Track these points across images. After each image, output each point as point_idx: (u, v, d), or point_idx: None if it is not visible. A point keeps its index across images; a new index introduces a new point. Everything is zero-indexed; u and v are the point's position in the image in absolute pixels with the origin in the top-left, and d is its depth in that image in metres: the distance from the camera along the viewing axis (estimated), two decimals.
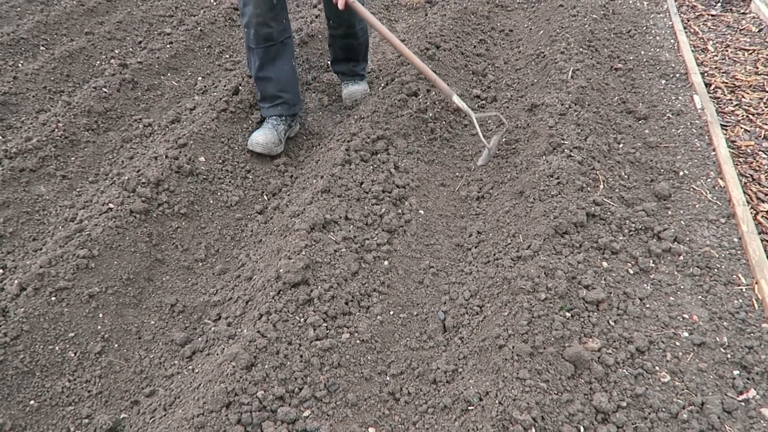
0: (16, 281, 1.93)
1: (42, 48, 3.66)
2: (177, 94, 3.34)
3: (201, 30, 3.89)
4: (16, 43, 3.59)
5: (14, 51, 3.55)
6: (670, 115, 2.90)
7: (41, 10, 4.10)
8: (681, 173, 2.50)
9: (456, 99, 2.48)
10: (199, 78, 3.52)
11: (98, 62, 3.56)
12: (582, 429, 1.53)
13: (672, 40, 3.65)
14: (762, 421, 1.58)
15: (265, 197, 2.62)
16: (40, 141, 2.72)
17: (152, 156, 2.54)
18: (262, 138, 2.71)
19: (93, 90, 3.10)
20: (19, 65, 3.46)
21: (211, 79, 3.47)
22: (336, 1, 2.42)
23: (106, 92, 3.12)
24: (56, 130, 2.80)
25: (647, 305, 1.90)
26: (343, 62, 3.13)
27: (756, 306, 1.90)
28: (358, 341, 1.83)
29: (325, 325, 1.82)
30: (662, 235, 2.14)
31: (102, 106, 3.03)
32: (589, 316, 1.83)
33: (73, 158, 2.75)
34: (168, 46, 3.68)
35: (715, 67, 3.45)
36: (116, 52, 3.69)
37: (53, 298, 1.91)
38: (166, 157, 2.49)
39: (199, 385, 1.67)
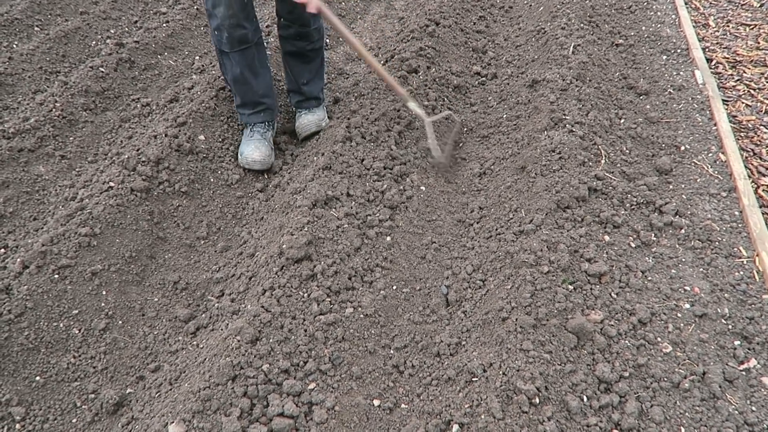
0: (18, 260, 1.93)
1: (36, 28, 3.62)
2: (174, 73, 3.31)
3: (197, 9, 3.84)
4: (10, 24, 3.54)
5: (8, 32, 3.50)
6: (672, 91, 2.89)
7: None
8: (682, 148, 2.50)
9: (411, 105, 2.42)
10: (197, 57, 3.48)
11: (94, 42, 3.51)
12: (585, 399, 1.55)
13: (673, 16, 3.62)
14: (763, 390, 1.60)
15: (266, 175, 2.61)
16: (37, 121, 2.70)
17: (152, 135, 2.53)
18: (258, 154, 2.51)
19: (90, 70, 3.07)
20: (14, 46, 3.42)
21: (209, 58, 3.44)
22: (303, 4, 2.09)
23: (103, 72, 3.09)
24: (54, 110, 2.78)
25: (649, 278, 1.91)
26: (292, 79, 2.72)
27: (757, 278, 1.91)
28: (361, 315, 1.84)
29: (329, 299, 1.83)
30: (664, 209, 2.14)
31: (99, 86, 3.00)
32: (591, 289, 1.83)
33: (71, 138, 2.73)
34: (164, 25, 3.64)
35: (717, 43, 3.42)
36: (112, 31, 3.65)
37: (56, 276, 1.91)
38: (166, 135, 2.48)
39: (205, 359, 1.68)
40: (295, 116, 2.82)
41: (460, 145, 2.74)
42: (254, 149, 2.51)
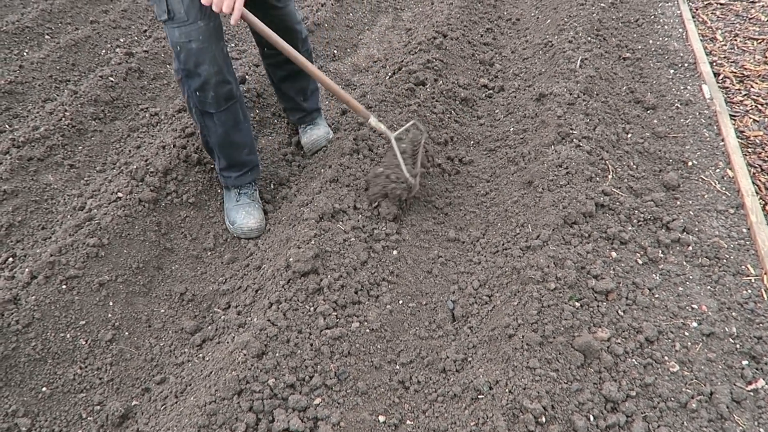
0: (26, 269, 1.94)
1: (47, 37, 3.65)
2: None
3: None
4: (21, 32, 3.58)
5: (19, 40, 3.54)
6: (679, 105, 2.89)
7: None
8: (690, 163, 2.50)
9: (373, 121, 2.22)
10: None
11: (104, 51, 3.55)
12: (592, 418, 1.54)
13: (680, 29, 3.62)
14: None
15: (273, 186, 2.62)
16: (47, 130, 2.72)
17: (160, 145, 2.54)
18: (253, 221, 2.32)
19: (99, 79, 3.09)
20: (25, 54, 3.45)
21: None
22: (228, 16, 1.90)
23: (112, 81, 3.11)
24: (63, 119, 2.80)
25: (656, 295, 1.90)
26: (290, 99, 2.67)
27: (765, 296, 1.90)
28: (367, 330, 1.84)
29: (335, 314, 1.83)
30: (671, 225, 2.13)
31: (108, 95, 3.02)
32: (598, 306, 1.83)
33: (80, 147, 2.75)
34: None
35: (724, 57, 3.43)
36: (121, 40, 3.68)
37: (64, 287, 1.91)
38: (174, 146, 2.49)
39: (211, 372, 1.68)
40: (299, 131, 2.81)
41: (429, 157, 2.55)
42: (247, 216, 2.33)
